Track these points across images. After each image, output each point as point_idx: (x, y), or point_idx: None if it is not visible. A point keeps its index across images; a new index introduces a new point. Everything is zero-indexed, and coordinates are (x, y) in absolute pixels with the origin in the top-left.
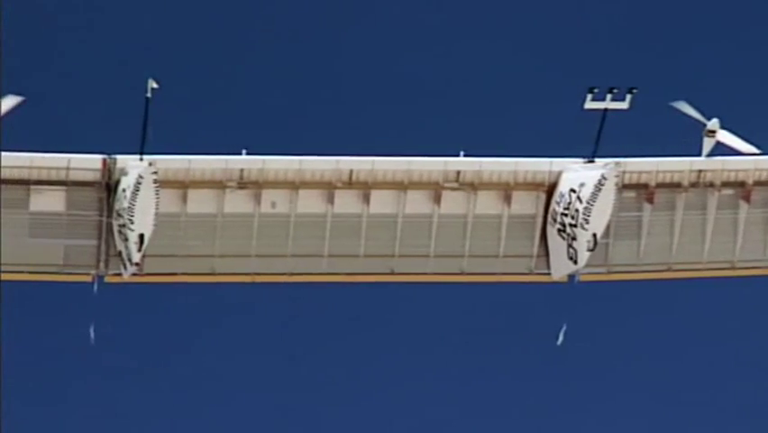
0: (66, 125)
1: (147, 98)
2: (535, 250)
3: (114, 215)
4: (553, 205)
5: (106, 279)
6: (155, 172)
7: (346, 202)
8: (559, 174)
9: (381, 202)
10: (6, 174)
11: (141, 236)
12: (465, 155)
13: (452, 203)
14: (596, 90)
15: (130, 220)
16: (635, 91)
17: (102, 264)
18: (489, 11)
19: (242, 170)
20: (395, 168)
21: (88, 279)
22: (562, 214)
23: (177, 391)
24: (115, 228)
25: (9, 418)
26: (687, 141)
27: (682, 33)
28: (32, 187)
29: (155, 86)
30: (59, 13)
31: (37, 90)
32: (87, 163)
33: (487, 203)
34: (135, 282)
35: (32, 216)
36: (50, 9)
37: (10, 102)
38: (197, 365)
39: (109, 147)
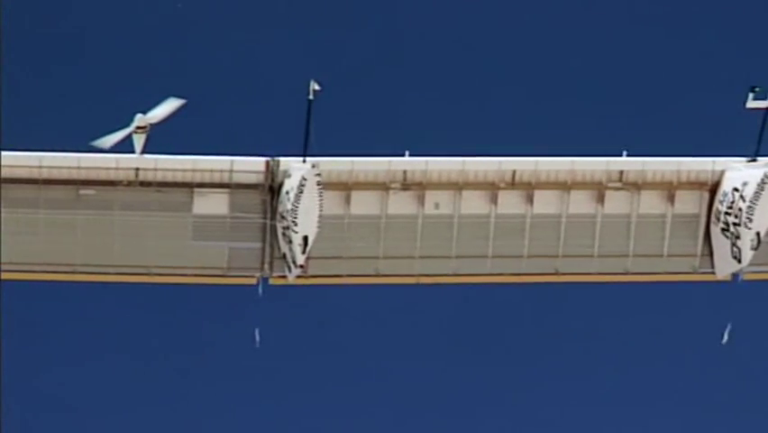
0: (229, 128)
1: (309, 100)
2: (699, 249)
3: (278, 217)
4: (716, 204)
5: (271, 281)
6: (318, 174)
7: (509, 202)
8: (722, 173)
9: (545, 202)
10: (169, 177)
11: (306, 238)
12: (628, 155)
13: (616, 203)
14: (757, 89)
15: (294, 222)
16: None
17: (266, 267)
18: (650, 7)
19: (405, 172)
20: (558, 168)
21: (253, 281)
22: (726, 213)
23: (345, 390)
24: (279, 231)
25: (177, 421)
26: None
27: None
28: (196, 189)
29: (317, 87)
30: (222, 16)
31: (200, 92)
32: (251, 166)
33: (650, 202)
34: (300, 284)
35: (196, 219)
36: (214, 13)
37: (172, 105)
38: (364, 366)
39: (272, 149)
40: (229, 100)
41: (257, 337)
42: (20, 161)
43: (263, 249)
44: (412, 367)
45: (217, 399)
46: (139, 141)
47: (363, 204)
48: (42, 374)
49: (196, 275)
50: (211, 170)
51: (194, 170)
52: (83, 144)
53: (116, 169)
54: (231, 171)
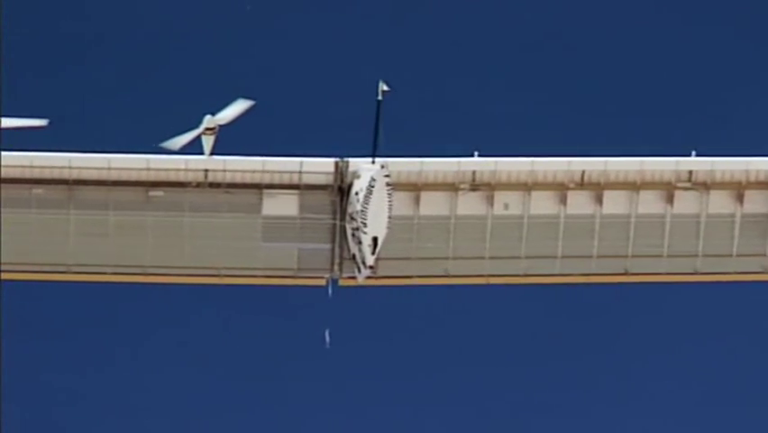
0: (298, 128)
1: (378, 101)
2: None
3: (348, 218)
4: None
5: (340, 282)
6: (388, 175)
7: (579, 203)
8: None
9: (614, 202)
10: (238, 178)
11: (375, 239)
12: (697, 155)
13: (685, 203)
14: None
15: (363, 223)
16: None
17: (336, 268)
18: (719, 7)
19: (474, 172)
20: (627, 168)
21: (322, 282)
22: None
23: (412, 393)
24: (349, 232)
25: (246, 422)
26: None
27: None
28: (265, 191)
29: (386, 88)
30: (290, 17)
31: (268, 93)
32: (320, 167)
33: (719, 202)
34: (370, 285)
35: (266, 220)
36: (282, 14)
37: (241, 106)
38: (431, 369)
39: (341, 150)
40: (298, 101)
41: (327, 338)
42: (89, 162)
43: (333, 250)
44: (482, 367)
45: (287, 399)
46: (208, 142)
47: (433, 204)
48: (60, 374)
49: (265, 276)
50: (280, 172)
51: (263, 172)
52: (152, 146)
53: (185, 170)
54: (300, 172)
